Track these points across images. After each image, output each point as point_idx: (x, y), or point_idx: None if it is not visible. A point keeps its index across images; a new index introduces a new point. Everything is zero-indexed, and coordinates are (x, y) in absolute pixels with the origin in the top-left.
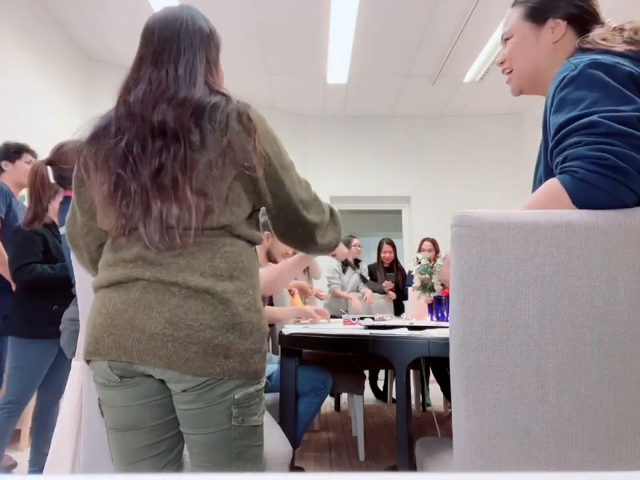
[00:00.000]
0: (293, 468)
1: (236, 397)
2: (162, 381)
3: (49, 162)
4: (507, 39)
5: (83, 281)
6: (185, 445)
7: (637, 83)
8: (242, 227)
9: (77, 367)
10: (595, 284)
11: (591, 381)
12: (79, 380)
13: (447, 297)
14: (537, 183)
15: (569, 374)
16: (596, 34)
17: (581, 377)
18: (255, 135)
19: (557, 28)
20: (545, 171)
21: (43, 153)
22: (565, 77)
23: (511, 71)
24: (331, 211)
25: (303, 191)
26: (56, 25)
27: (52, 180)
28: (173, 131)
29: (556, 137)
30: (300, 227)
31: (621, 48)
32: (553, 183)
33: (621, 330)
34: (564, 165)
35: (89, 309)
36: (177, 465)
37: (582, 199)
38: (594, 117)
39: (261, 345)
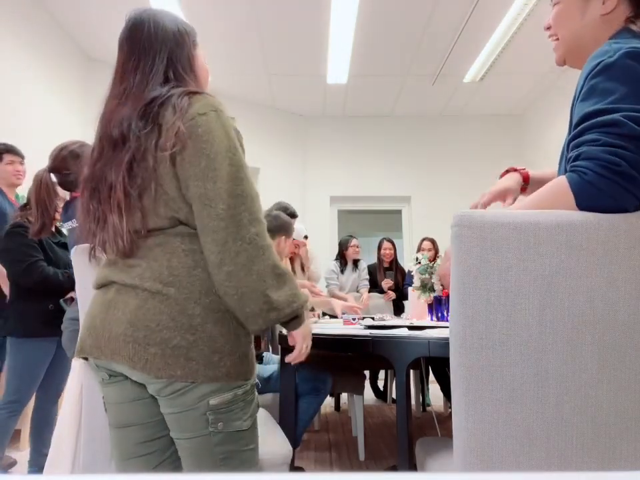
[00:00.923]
0: (293, 468)
1: (211, 402)
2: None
3: (52, 169)
4: (555, 3)
5: (83, 280)
6: None
7: None
8: (190, 218)
9: (77, 366)
10: (595, 284)
11: (591, 381)
12: (79, 380)
13: (447, 296)
14: (562, 172)
15: (569, 374)
16: None
17: (581, 377)
18: (181, 114)
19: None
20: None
21: (43, 153)
22: (599, 62)
23: (557, 39)
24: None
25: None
26: (56, 25)
27: (57, 186)
28: (124, 140)
29: (577, 128)
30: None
31: None
32: (561, 181)
33: (621, 330)
34: (576, 163)
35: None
36: (172, 466)
37: (586, 201)
38: (617, 115)
39: (232, 347)
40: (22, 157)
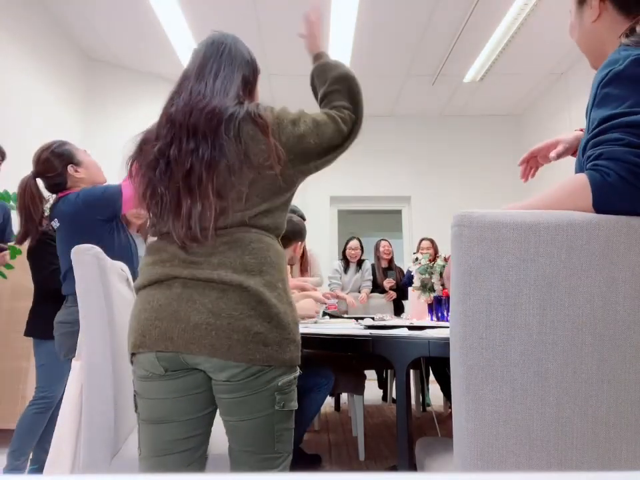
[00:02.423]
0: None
1: (279, 384)
2: (203, 374)
3: (36, 174)
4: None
5: (83, 280)
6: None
7: None
8: (261, 218)
9: (77, 367)
10: (595, 284)
11: (592, 381)
12: (79, 380)
13: (447, 297)
14: (578, 171)
15: (570, 374)
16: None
17: (582, 377)
18: (268, 131)
19: (592, 6)
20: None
21: None
22: (610, 70)
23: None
24: (339, 112)
25: (322, 133)
26: (56, 25)
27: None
28: (203, 134)
29: (595, 130)
30: (347, 137)
31: None
32: (580, 179)
33: (621, 330)
34: (598, 162)
35: (89, 308)
36: (199, 466)
37: (605, 203)
38: (619, 125)
39: (295, 335)
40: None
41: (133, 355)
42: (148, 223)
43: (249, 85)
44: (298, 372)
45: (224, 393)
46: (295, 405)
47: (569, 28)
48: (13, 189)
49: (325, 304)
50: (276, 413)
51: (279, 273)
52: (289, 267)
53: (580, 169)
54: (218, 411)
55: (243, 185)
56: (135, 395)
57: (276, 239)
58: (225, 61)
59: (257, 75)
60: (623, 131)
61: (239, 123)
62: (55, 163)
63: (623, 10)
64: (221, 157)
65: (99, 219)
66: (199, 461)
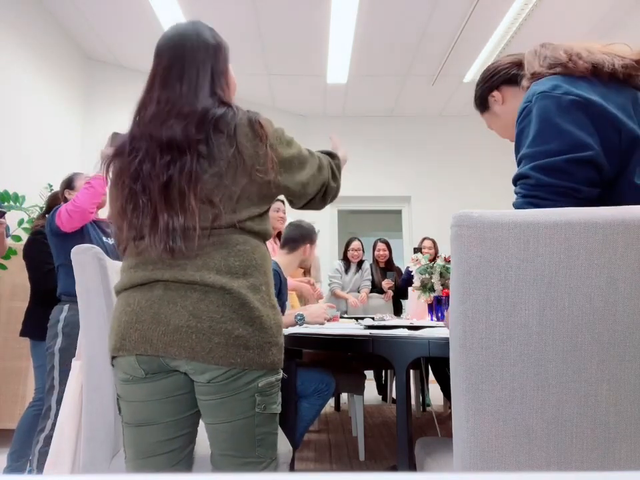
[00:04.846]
0: (293, 468)
1: (259, 385)
2: (185, 376)
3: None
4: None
5: (83, 280)
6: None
7: (581, 107)
8: (250, 222)
9: (77, 366)
10: (595, 283)
11: (591, 380)
12: (79, 380)
13: (447, 296)
14: None
15: (569, 374)
16: (535, 65)
17: (581, 377)
18: (266, 141)
19: (495, 98)
20: None
21: (43, 153)
22: (524, 108)
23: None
24: (329, 163)
25: (311, 174)
26: (56, 25)
27: None
28: (179, 145)
29: (515, 174)
30: (314, 199)
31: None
32: None
33: (620, 329)
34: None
35: (89, 308)
36: (187, 465)
37: None
38: (527, 169)
39: (277, 338)
40: None
41: (113, 357)
42: (120, 234)
43: (220, 75)
44: (281, 374)
45: (204, 394)
46: (277, 408)
47: (490, 128)
48: (13, 188)
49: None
50: (256, 416)
51: (264, 276)
52: (301, 269)
53: None
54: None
55: (235, 186)
56: (117, 399)
57: (263, 242)
58: (188, 60)
59: (226, 58)
60: (518, 184)
61: (235, 125)
62: None
63: (515, 84)
64: (207, 162)
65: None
66: (185, 461)
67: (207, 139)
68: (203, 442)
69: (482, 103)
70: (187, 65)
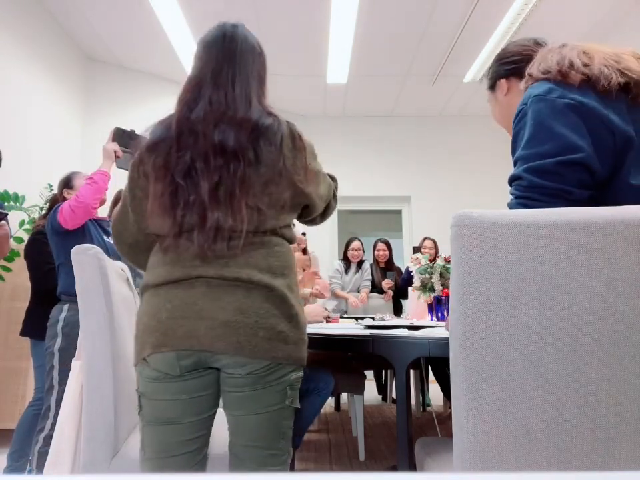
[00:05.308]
0: (293, 468)
1: (291, 378)
2: (214, 375)
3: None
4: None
5: (83, 280)
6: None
7: (575, 110)
8: (286, 229)
9: (77, 367)
10: (595, 283)
11: (591, 380)
12: (79, 380)
13: (447, 296)
14: None
15: (569, 374)
16: (534, 67)
17: (581, 377)
18: (304, 153)
19: (501, 86)
20: None
21: (44, 153)
22: (520, 110)
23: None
24: (331, 183)
25: (326, 189)
26: (56, 25)
27: None
28: (232, 150)
29: (511, 175)
30: (320, 214)
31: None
32: None
33: (620, 329)
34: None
35: (89, 307)
36: (203, 468)
37: None
38: (520, 170)
39: (305, 335)
40: None
41: (146, 355)
42: (157, 228)
43: (264, 82)
44: (302, 372)
45: (239, 386)
46: (298, 404)
47: (491, 112)
48: (13, 188)
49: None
50: (285, 409)
51: (295, 277)
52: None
53: None
54: (222, 408)
55: (279, 194)
56: (139, 396)
57: (290, 245)
58: (239, 63)
59: (266, 65)
60: (513, 185)
61: (282, 136)
62: None
63: (521, 77)
64: (257, 170)
65: (59, 230)
66: (202, 463)
67: (257, 148)
68: (215, 440)
69: (491, 82)
70: (238, 69)
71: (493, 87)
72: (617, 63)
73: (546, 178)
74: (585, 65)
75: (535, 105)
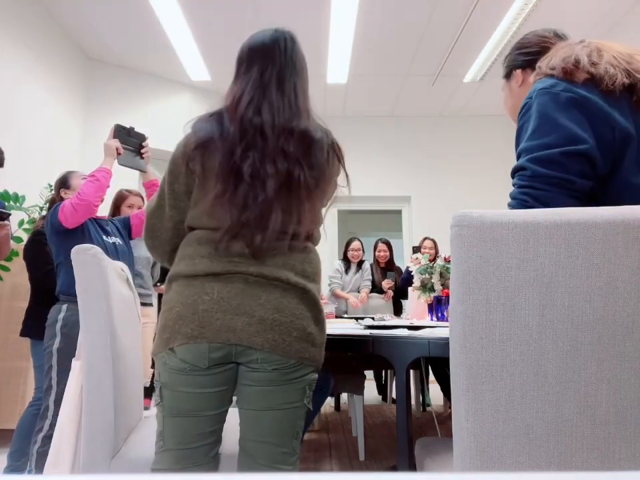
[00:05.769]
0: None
1: (311, 378)
2: (234, 371)
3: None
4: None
5: (83, 280)
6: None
7: (578, 104)
8: (317, 232)
9: (77, 366)
10: (595, 283)
11: (591, 380)
12: (79, 380)
13: (447, 296)
14: None
15: (569, 374)
16: (544, 62)
17: (581, 377)
18: (342, 162)
19: (517, 76)
20: None
21: (44, 154)
22: (525, 104)
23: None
24: None
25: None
26: (56, 25)
27: None
28: (294, 156)
29: (514, 166)
30: None
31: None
32: None
33: (620, 330)
34: (508, 200)
35: (89, 307)
36: (217, 461)
37: None
38: (524, 160)
39: (325, 339)
40: None
41: (172, 345)
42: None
43: (308, 89)
44: (317, 375)
45: (261, 380)
46: (311, 405)
47: (503, 102)
48: (13, 188)
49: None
50: (301, 408)
51: (320, 284)
52: None
53: None
54: (235, 405)
55: (325, 201)
56: (160, 388)
57: None
58: (299, 73)
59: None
60: (516, 175)
61: (328, 146)
62: None
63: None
64: (315, 178)
65: (59, 230)
66: (217, 457)
67: (312, 156)
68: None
69: (507, 69)
70: (298, 79)
71: (508, 75)
72: (628, 64)
73: (550, 167)
74: (593, 64)
75: (539, 98)
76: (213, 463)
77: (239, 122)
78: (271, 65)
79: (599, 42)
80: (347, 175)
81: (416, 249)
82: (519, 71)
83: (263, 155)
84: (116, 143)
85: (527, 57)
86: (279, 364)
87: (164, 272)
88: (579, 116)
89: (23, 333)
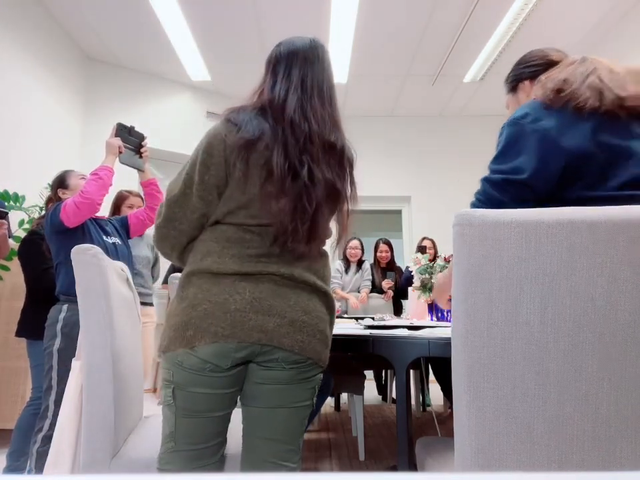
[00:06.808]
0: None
1: (318, 378)
2: (244, 371)
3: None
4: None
5: (83, 280)
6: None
7: (537, 137)
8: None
9: (77, 367)
10: (597, 282)
11: (592, 379)
12: (79, 380)
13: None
14: None
15: (571, 373)
16: (540, 84)
17: (582, 376)
18: (353, 172)
19: (524, 88)
20: None
21: (44, 153)
22: (502, 126)
23: None
24: None
25: None
26: (56, 25)
27: None
28: (336, 170)
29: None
30: None
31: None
32: None
33: (622, 328)
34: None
35: (89, 307)
36: (223, 460)
37: None
38: (483, 178)
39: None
40: None
41: (203, 344)
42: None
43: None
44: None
45: (278, 378)
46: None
47: (505, 104)
48: (13, 188)
49: None
50: (309, 407)
51: None
52: None
53: None
54: (241, 404)
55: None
56: (173, 388)
57: None
58: (332, 84)
59: None
60: (477, 194)
61: (352, 159)
62: None
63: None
64: (345, 186)
65: (59, 229)
66: (223, 458)
67: (342, 167)
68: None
69: (514, 83)
70: (333, 89)
71: (514, 88)
72: (618, 84)
73: (495, 189)
74: (576, 88)
75: (509, 128)
76: (219, 463)
77: (289, 124)
78: (311, 71)
79: (598, 61)
80: (354, 185)
81: (420, 250)
82: (527, 82)
83: (313, 161)
84: (118, 141)
85: (533, 68)
86: (296, 363)
87: (171, 271)
88: (534, 146)
89: (19, 334)
